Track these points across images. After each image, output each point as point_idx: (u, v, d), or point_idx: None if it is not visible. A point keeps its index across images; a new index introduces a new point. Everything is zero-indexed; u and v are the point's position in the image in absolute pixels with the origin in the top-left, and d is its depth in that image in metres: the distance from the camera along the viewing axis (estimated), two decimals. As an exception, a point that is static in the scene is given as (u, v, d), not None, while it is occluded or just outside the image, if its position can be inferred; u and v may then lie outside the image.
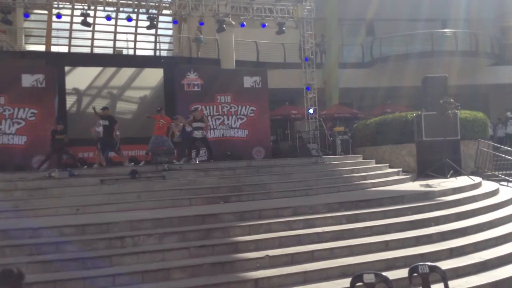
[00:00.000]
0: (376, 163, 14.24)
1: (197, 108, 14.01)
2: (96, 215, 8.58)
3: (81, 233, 7.25)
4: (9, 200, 9.40)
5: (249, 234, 7.56)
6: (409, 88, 19.88)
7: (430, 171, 12.46)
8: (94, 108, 13.01)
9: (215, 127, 15.64)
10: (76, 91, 16.35)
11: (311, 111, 17.39)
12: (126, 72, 17.07)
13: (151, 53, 23.87)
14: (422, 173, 12.87)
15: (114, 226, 7.48)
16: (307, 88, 17.57)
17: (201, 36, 20.07)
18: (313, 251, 7.10)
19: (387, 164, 14.25)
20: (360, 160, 14.36)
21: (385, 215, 8.56)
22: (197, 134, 13.08)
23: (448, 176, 12.21)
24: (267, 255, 6.82)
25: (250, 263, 6.72)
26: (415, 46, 22.42)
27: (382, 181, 12.05)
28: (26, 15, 17.30)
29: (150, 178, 10.81)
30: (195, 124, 13.13)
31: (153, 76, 17.27)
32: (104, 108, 13.05)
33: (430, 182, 11.77)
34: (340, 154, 15.59)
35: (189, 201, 9.78)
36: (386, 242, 7.52)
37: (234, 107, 16.03)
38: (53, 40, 22.91)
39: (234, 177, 11.45)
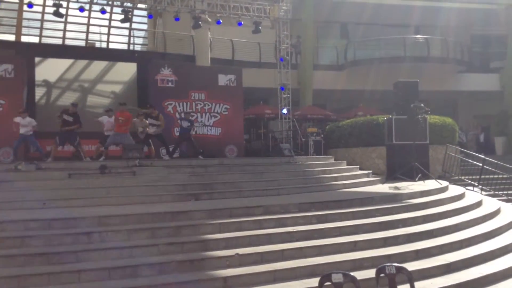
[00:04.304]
0: (347, 165, 14.41)
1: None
2: (63, 210, 8.38)
3: (47, 228, 7.08)
4: (-28, 193, 9.10)
5: (220, 232, 7.54)
6: (381, 92, 20.22)
7: (399, 174, 12.68)
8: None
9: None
10: (46, 83, 15.94)
11: (284, 111, 17.47)
12: (98, 66, 16.74)
13: (124, 47, 23.49)
14: (391, 175, 13.10)
15: (81, 221, 7.34)
16: (282, 88, 17.64)
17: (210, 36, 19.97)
18: (283, 250, 7.12)
19: (358, 166, 14.46)
20: (332, 161, 14.50)
21: (354, 216, 8.66)
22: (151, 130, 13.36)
23: (417, 179, 12.45)
24: (237, 254, 6.81)
25: (220, 261, 6.70)
26: (388, 51, 22.83)
27: (353, 183, 12.20)
28: (-4, 3, 16.77)
29: (121, 174, 10.65)
30: (153, 122, 13.40)
31: (126, 71, 16.99)
32: (73, 105, 12.81)
33: (398, 184, 11.98)
34: (313, 155, 15.71)
35: (159, 198, 9.69)
36: (355, 242, 7.61)
37: (208, 105, 15.95)
38: (24, 30, 22.25)
39: (206, 175, 11.38)
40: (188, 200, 9.69)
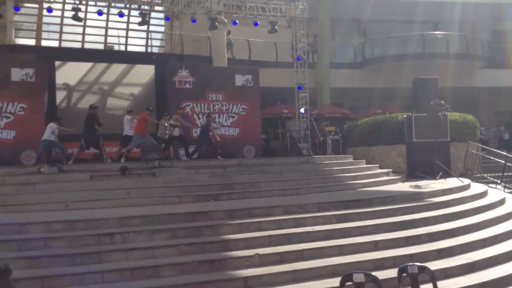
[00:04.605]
0: (367, 164, 14.30)
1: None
2: (85, 211, 8.51)
3: (70, 229, 7.18)
4: (-3, 195, 9.30)
5: (239, 232, 7.54)
6: (400, 90, 19.98)
7: (419, 172, 12.53)
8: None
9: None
10: (66, 86, 16.22)
11: (302, 110, 17.42)
12: (117, 68, 16.98)
13: (142, 49, 23.72)
14: (411, 174, 12.95)
15: (103, 222, 7.42)
16: (299, 88, 17.58)
17: (231, 37, 20.12)
18: (303, 250, 7.10)
19: (378, 165, 14.33)
20: (351, 160, 14.40)
21: (374, 215, 8.59)
22: (175, 132, 13.44)
23: (438, 177, 12.29)
24: (257, 254, 6.81)
25: (240, 262, 6.70)
26: (407, 48, 22.57)
27: (372, 182, 12.09)
28: (17, 9, 17.04)
29: (141, 175, 10.75)
30: (176, 123, 13.52)
31: (144, 73, 17.18)
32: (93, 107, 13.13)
33: (419, 183, 11.83)
34: (331, 154, 15.64)
35: (179, 199, 9.74)
36: (376, 242, 7.55)
37: (226, 105, 16.00)
38: (44, 35, 22.64)
39: (224, 175, 11.41)
40: (208, 201, 9.72)
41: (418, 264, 4.99)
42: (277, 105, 20.44)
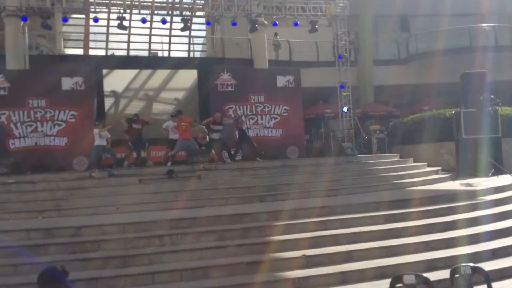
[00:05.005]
0: (414, 162, 13.96)
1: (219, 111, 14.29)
2: (135, 214, 8.77)
3: (122, 232, 7.43)
4: (52, 200, 9.73)
5: (286, 233, 7.55)
6: (446, 85, 19.36)
7: (470, 170, 12.11)
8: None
9: (249, 126, 15.66)
10: (113, 93, 16.75)
11: (345, 109, 17.22)
12: (161, 74, 17.37)
13: (185, 54, 24.20)
14: (462, 172, 12.53)
15: (153, 225, 7.63)
16: (341, 86, 17.40)
17: (279, 39, 20.28)
18: (350, 251, 7.03)
19: (425, 163, 13.92)
20: (397, 159, 14.11)
21: (424, 215, 8.38)
22: (215, 136, 13.48)
23: (490, 174, 11.84)
24: (304, 255, 6.80)
25: (287, 263, 6.72)
26: (452, 42, 21.84)
27: (421, 180, 11.80)
28: (65, 20, 17.79)
29: (187, 178, 10.94)
30: (215, 127, 13.51)
31: (187, 77, 17.49)
32: (136, 115, 13.79)
33: (470, 181, 11.44)
34: (376, 153, 15.37)
35: (225, 201, 9.86)
36: (426, 242, 7.36)
37: (268, 107, 16.02)
38: (91, 44, 23.55)
39: (269, 177, 11.45)
40: (253, 202, 9.79)
41: (471, 264, 4.83)
42: (319, 104, 20.29)
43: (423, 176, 12.43)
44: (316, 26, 17.18)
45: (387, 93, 22.24)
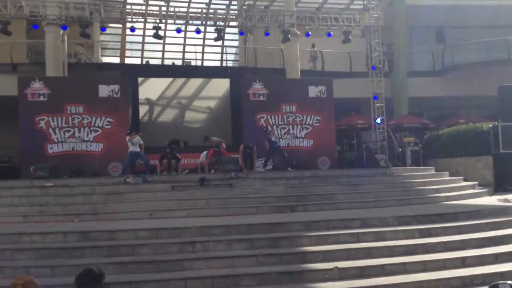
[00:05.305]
0: (450, 176, 13.67)
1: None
2: (168, 220, 8.88)
3: (155, 237, 7.52)
4: (88, 204, 9.97)
5: (317, 244, 7.49)
6: (484, 98, 18.88)
7: (508, 185, 11.75)
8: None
9: (280, 136, 15.67)
10: (148, 101, 17.09)
11: (378, 120, 17.01)
12: (195, 83, 17.62)
13: (218, 63, 24.47)
14: (500, 187, 12.21)
15: (185, 231, 7.70)
16: (374, 98, 17.22)
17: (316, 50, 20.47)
18: (384, 265, 6.90)
19: (462, 177, 13.60)
20: (432, 172, 13.83)
21: (460, 230, 8.18)
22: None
23: (529, 190, 11.47)
24: (336, 267, 6.71)
25: (319, 274, 6.65)
26: (489, 54, 21.32)
27: (457, 195, 11.53)
28: (103, 29, 18.29)
29: (218, 186, 11.02)
30: None
31: (220, 86, 17.69)
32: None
33: (509, 196, 11.09)
34: (410, 166, 15.10)
35: (256, 209, 9.87)
36: (463, 258, 7.17)
37: (299, 117, 16.00)
38: (127, 52, 24.10)
39: (300, 187, 11.41)
40: (284, 212, 9.76)
41: (510, 282, 4.67)
42: (351, 115, 20.10)
43: (459, 190, 12.15)
44: (350, 37, 17.09)
45: (421, 105, 21.84)
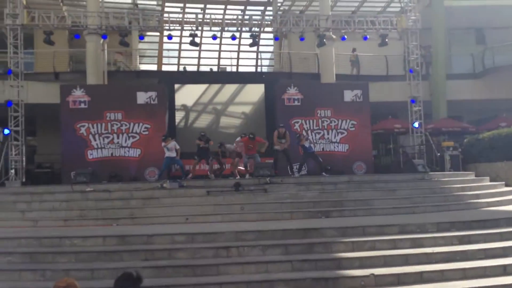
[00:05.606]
0: (490, 181, 13.25)
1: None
2: (203, 225, 9.00)
3: (191, 242, 7.63)
4: (126, 208, 10.22)
5: (353, 250, 7.42)
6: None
7: (554, 191, 11.28)
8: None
9: (315, 141, 15.59)
10: (184, 107, 17.38)
11: (416, 124, 16.65)
12: (230, 88, 17.81)
13: (252, 69, 24.61)
14: (544, 193, 11.70)
15: (220, 236, 7.77)
16: (412, 101, 16.87)
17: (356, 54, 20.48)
18: (421, 272, 6.76)
19: (503, 182, 13.16)
20: (472, 177, 13.43)
21: (502, 237, 7.92)
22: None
23: None
24: (373, 274, 6.63)
25: (354, 281, 6.58)
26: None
27: (497, 201, 11.18)
28: (141, 37, 18.74)
29: (253, 191, 11.07)
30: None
31: (255, 92, 17.80)
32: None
33: (553, 203, 10.66)
34: (449, 171, 14.71)
35: (290, 215, 9.87)
36: (504, 266, 6.94)
37: (334, 121, 15.89)
38: (164, 60, 24.61)
39: (335, 192, 11.32)
40: (319, 217, 9.70)
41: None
42: (388, 119, 19.77)
43: (499, 196, 11.78)
44: (386, 40, 16.86)
45: (461, 108, 21.26)
